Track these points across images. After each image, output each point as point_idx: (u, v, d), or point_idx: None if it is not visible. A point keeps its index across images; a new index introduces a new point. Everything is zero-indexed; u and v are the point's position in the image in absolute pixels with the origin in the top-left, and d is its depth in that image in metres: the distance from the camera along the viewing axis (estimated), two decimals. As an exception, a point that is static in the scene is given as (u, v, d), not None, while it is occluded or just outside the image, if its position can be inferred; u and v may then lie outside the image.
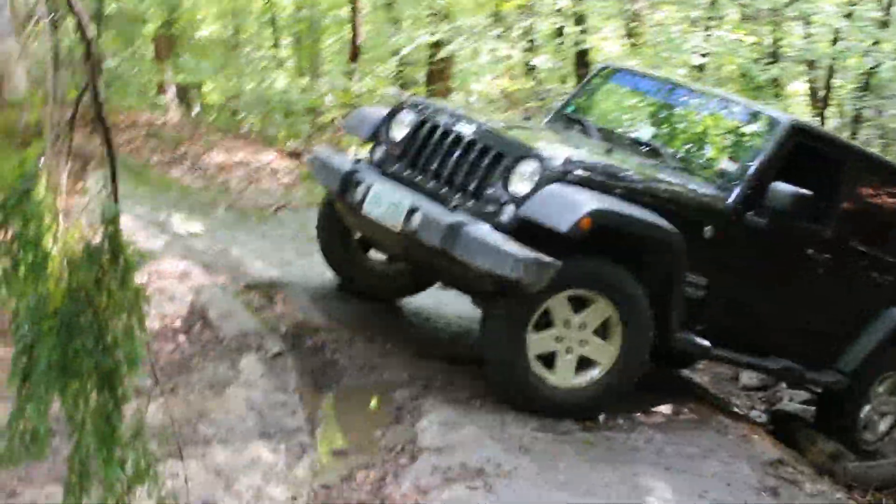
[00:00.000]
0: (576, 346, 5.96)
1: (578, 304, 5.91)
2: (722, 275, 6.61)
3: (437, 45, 18.14)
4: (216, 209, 8.87)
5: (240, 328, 6.26)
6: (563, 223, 5.50)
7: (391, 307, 7.33)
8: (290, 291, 7.05)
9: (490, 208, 5.84)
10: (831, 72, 26.24)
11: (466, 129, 6.19)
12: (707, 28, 21.90)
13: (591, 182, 5.88)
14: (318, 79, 18.20)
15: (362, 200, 6.17)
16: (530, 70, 21.86)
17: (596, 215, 5.57)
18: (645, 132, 7.53)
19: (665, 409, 6.65)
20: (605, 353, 6.02)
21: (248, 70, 15.38)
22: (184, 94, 22.18)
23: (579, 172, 5.87)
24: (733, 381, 9.93)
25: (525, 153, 5.91)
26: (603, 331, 6.02)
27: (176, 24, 20.10)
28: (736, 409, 8.41)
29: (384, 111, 6.91)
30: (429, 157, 6.29)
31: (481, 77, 18.64)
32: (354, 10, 16.59)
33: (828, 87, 26.57)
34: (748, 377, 9.82)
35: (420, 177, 6.27)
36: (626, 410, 6.28)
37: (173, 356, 5.98)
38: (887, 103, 26.37)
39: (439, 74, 19.64)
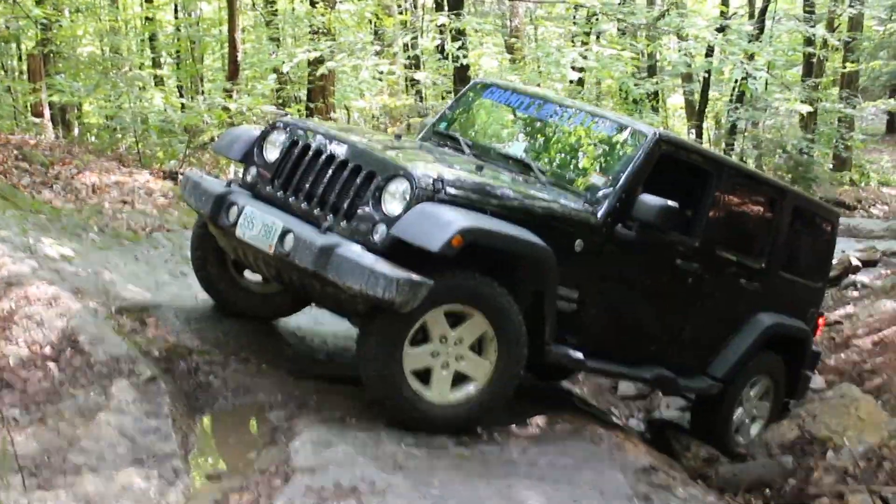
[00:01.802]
0: (452, 361, 5.99)
1: (455, 320, 5.94)
2: (594, 287, 6.73)
3: (317, 62, 18.09)
4: (88, 231, 8.71)
5: (111, 353, 6.14)
6: (433, 242, 5.52)
7: (266, 327, 7.28)
8: (163, 314, 6.96)
9: (362, 228, 5.86)
10: (707, 85, 26.97)
11: (338, 149, 6.19)
12: (585, 44, 22.30)
13: (461, 200, 5.91)
14: (197, 97, 18.03)
15: (235, 223, 6.15)
16: (412, 86, 22.00)
17: (466, 233, 5.60)
18: (516, 147, 7.59)
19: (540, 420, 6.72)
20: (481, 369, 6.06)
21: (125, 89, 15.15)
22: (62, 115, 21.81)
23: (450, 191, 5.89)
24: (612, 390, 10.10)
25: (395, 172, 5.90)
26: (479, 346, 6.06)
27: (51, 44, 19.73)
28: (613, 419, 8.56)
29: (255, 131, 6.88)
30: (301, 177, 6.28)
31: (363, 93, 18.64)
32: (233, 28, 16.46)
33: (704, 100, 27.30)
34: (626, 387, 10.01)
35: (293, 198, 6.26)
36: (502, 423, 6.33)
37: (42, 384, 5.83)
38: (760, 114, 27.18)
39: (320, 91, 19.59)
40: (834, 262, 10.95)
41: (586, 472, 5.89)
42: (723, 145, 26.88)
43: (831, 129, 30.39)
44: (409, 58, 21.79)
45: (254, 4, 22.51)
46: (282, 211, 6.17)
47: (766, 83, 25.58)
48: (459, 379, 6.06)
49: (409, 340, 5.82)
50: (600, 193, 6.79)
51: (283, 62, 17.79)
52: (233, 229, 6.16)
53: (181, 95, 23.38)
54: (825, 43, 27.14)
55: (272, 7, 22.15)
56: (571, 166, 7.31)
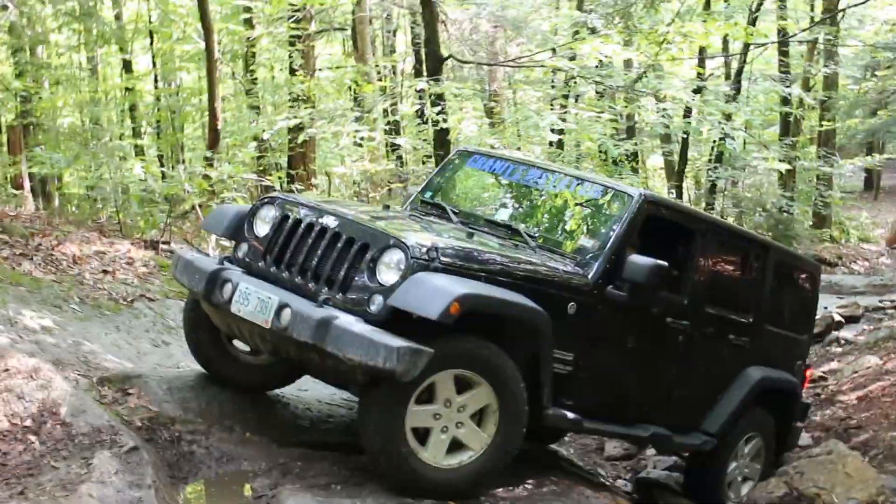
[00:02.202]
0: (452, 427, 6.00)
1: (462, 387, 5.96)
2: (588, 349, 6.77)
3: (298, 130, 18.17)
4: (69, 302, 8.68)
5: (93, 424, 6.09)
6: (432, 310, 5.56)
7: (249, 395, 7.22)
8: (145, 384, 6.92)
9: (358, 300, 5.90)
10: (685, 145, 27.19)
11: (330, 222, 6.24)
12: (563, 106, 22.46)
13: (455, 268, 5.97)
14: (178, 166, 18.05)
15: (230, 299, 6.16)
16: (392, 151, 22.08)
17: (464, 300, 5.64)
18: (503, 214, 7.64)
19: (528, 482, 6.68)
20: (478, 440, 6.08)
21: (106, 159, 15.17)
22: (42, 186, 21.83)
23: (444, 259, 5.95)
24: (598, 451, 10.06)
25: (389, 243, 5.95)
26: (479, 416, 6.08)
27: (31, 115, 19.81)
28: (601, 479, 8.50)
29: (244, 208, 6.93)
30: (294, 251, 6.31)
31: (343, 160, 18.71)
32: (213, 97, 16.52)
33: (683, 160, 27.50)
34: (612, 447, 9.96)
35: (286, 272, 6.28)
36: (490, 486, 6.29)
37: (23, 457, 5.78)
38: (740, 174, 27.38)
39: (301, 158, 19.67)
40: (817, 318, 11.00)
41: (574, 534, 5.85)
42: (703, 204, 27.05)
43: (810, 186, 30.61)
44: (388, 123, 21.94)
45: (233, 73, 22.67)
46: (276, 286, 6.18)
47: (745, 142, 25.84)
48: (456, 446, 6.05)
49: (415, 399, 5.82)
50: (590, 256, 6.88)
51: (264, 130, 17.88)
52: (228, 306, 6.17)
53: (162, 165, 23.44)
54: (801, 102, 27.45)
55: (252, 76, 22.31)
56: (559, 230, 7.38)
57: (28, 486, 5.48)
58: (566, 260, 6.88)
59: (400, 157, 23.20)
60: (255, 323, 6.03)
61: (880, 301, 19.10)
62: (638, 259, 6.70)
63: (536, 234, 7.18)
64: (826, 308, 17.22)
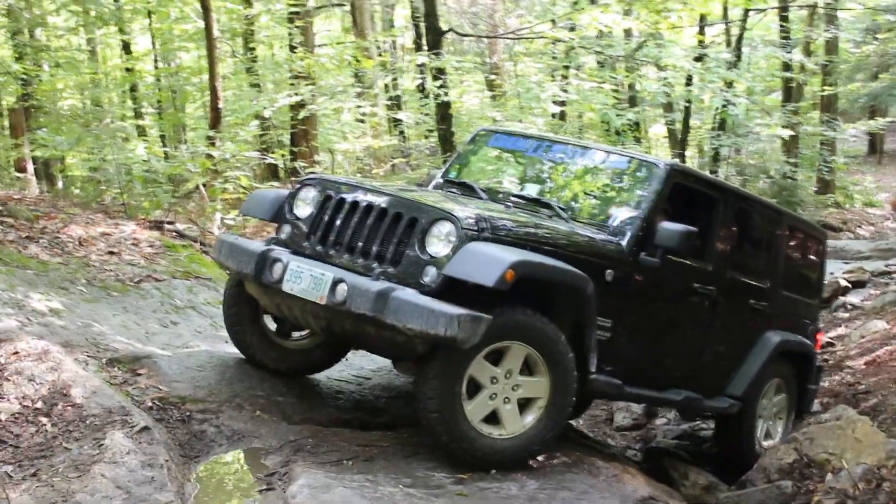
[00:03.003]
0: (511, 394, 6.18)
1: (495, 358, 6.09)
2: (624, 315, 6.97)
3: (299, 107, 18.14)
4: (76, 284, 8.69)
5: (103, 405, 6.11)
6: (489, 278, 5.71)
7: (258, 372, 7.23)
8: (155, 364, 6.94)
9: (410, 272, 6.02)
10: (688, 113, 27.12)
11: (375, 199, 6.36)
12: (564, 77, 22.41)
13: (503, 238, 6.13)
14: (180, 146, 18.06)
15: (281, 278, 6.26)
16: (394, 126, 22.06)
17: (518, 267, 5.80)
18: (531, 189, 7.77)
19: (538, 455, 6.68)
20: (540, 386, 6.25)
21: (108, 141, 15.15)
22: (45, 169, 21.82)
23: (493, 230, 6.13)
24: (608, 422, 10.09)
25: (439, 216, 6.09)
26: (528, 370, 6.23)
27: (32, 98, 19.76)
28: (611, 450, 8.52)
29: (283, 191, 7.04)
30: (340, 230, 6.42)
31: (345, 136, 18.69)
32: (213, 76, 16.49)
33: (686, 128, 27.43)
34: (622, 417, 10.00)
35: (333, 250, 6.40)
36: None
37: (35, 439, 5.80)
38: (743, 141, 27.31)
39: (303, 135, 19.65)
40: (824, 283, 11.08)
41: (586, 504, 5.86)
42: (707, 172, 26.99)
43: (813, 152, 30.54)
44: (390, 98, 21.91)
45: (233, 52, 22.63)
46: (325, 263, 6.30)
47: (747, 110, 25.67)
48: (523, 406, 6.27)
49: (465, 396, 5.99)
50: (623, 225, 7.06)
51: (265, 108, 17.84)
52: (279, 285, 6.28)
53: (164, 145, 23.47)
54: (802, 67, 27.35)
55: (252, 54, 22.28)
56: (589, 202, 7.55)
57: (41, 468, 5.50)
58: (599, 230, 7.04)
59: (402, 132, 23.19)
60: (308, 300, 6.15)
61: (886, 265, 19.11)
62: (669, 226, 6.92)
63: (567, 207, 7.33)
64: (832, 273, 17.23)
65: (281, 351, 7.31)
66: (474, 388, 6.05)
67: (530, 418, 6.24)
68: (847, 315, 14.78)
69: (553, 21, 20.18)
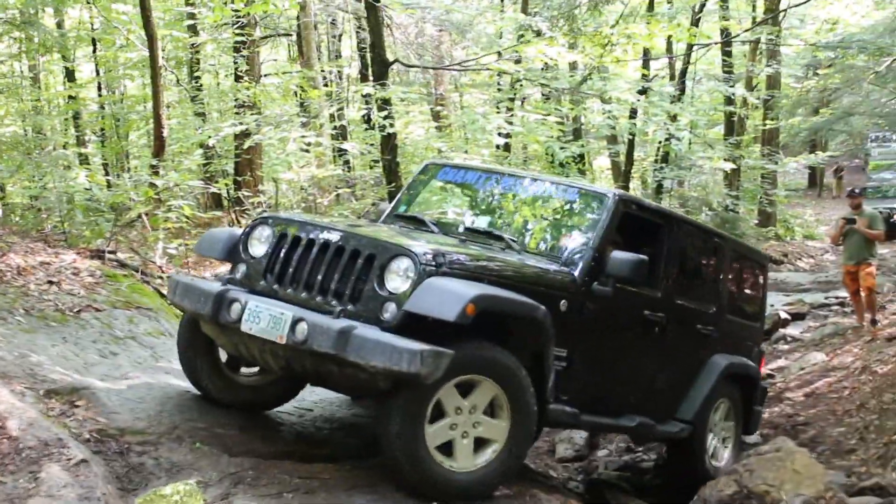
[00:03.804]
0: (470, 429, 6.22)
1: (464, 390, 6.16)
2: (579, 344, 7.10)
3: (244, 136, 18.10)
4: (14, 314, 8.57)
5: (40, 437, 6.02)
6: (450, 312, 5.77)
7: (199, 404, 7.17)
8: (93, 395, 6.85)
9: (370, 309, 6.07)
10: (631, 146, 27.40)
11: (332, 236, 6.41)
12: (510, 109, 22.54)
13: (460, 272, 6.21)
14: (123, 174, 17.93)
15: (239, 318, 6.25)
16: (339, 156, 22.04)
17: (479, 301, 5.88)
18: (482, 221, 7.91)
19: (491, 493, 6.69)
20: (499, 430, 6.31)
21: (49, 169, 15.01)
22: (-16, 197, 21.53)
23: (450, 264, 6.20)
24: (549, 453, 10.10)
25: (397, 252, 6.16)
26: (491, 410, 6.29)
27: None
28: (553, 482, 8.53)
29: (236, 230, 7.12)
30: (296, 268, 6.45)
31: (290, 165, 18.66)
32: (157, 104, 16.40)
33: (629, 161, 27.71)
34: (564, 448, 10.02)
35: (290, 289, 6.42)
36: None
37: (-31, 473, 5.72)
38: (685, 173, 27.62)
39: (248, 164, 19.60)
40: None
41: (528, 537, 5.86)
42: (650, 204, 27.22)
43: (755, 185, 30.97)
44: (335, 128, 21.90)
45: (178, 80, 22.54)
46: (282, 302, 6.30)
47: (690, 142, 26.02)
48: (480, 444, 6.30)
49: (428, 419, 6.01)
50: (574, 255, 7.22)
51: (210, 136, 17.78)
52: (237, 325, 6.26)
53: (107, 173, 23.26)
54: (745, 101, 27.77)
55: (197, 82, 22.19)
56: (540, 233, 7.73)
57: (-25, 502, 5.41)
58: (551, 261, 7.18)
59: (347, 162, 23.17)
60: (267, 340, 6.15)
61: (825, 297, 19.38)
62: (620, 255, 7.05)
63: (518, 239, 7.47)
64: (773, 306, 17.42)
65: (236, 388, 7.32)
66: (438, 413, 6.08)
67: (482, 459, 6.27)
68: (787, 347, 14.94)
69: (499, 53, 20.34)
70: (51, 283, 9.79)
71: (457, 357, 5.85)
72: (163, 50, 19.04)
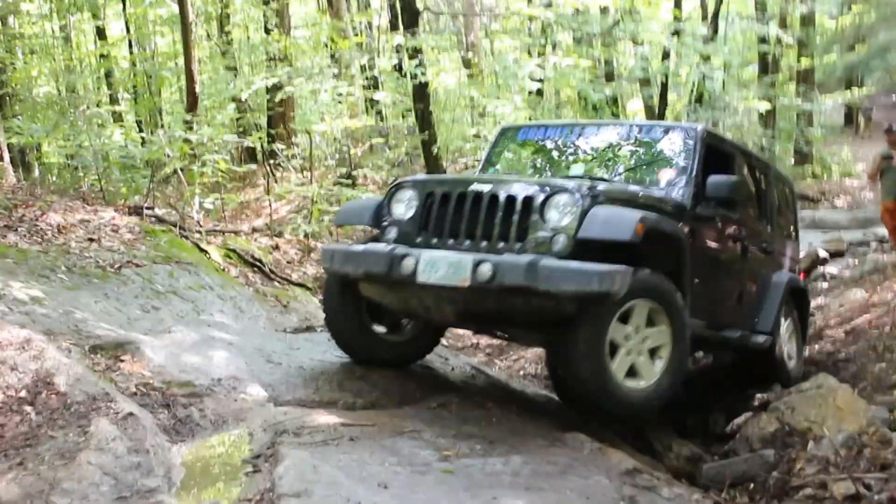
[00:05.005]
0: (642, 346, 6.77)
1: (623, 317, 6.64)
2: (695, 263, 7.46)
3: (276, 89, 18.10)
4: (56, 272, 8.67)
5: (88, 392, 6.10)
6: (624, 233, 6.34)
7: (242, 355, 7.24)
8: (137, 350, 6.93)
9: (538, 245, 6.51)
10: (665, 88, 27.16)
11: (483, 188, 6.79)
12: (541, 54, 22.40)
13: (614, 201, 6.76)
14: (157, 131, 17.99)
15: (413, 272, 6.57)
16: (371, 106, 22.01)
17: (645, 221, 6.44)
18: (577, 169, 8.33)
19: (521, 429, 6.72)
20: (664, 335, 6.85)
21: (84, 127, 15.08)
22: (21, 157, 21.69)
23: (603, 195, 6.69)
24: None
25: (556, 189, 6.62)
26: (650, 321, 6.81)
27: (6, 86, 19.64)
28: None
29: (374, 197, 7.68)
30: (453, 221, 6.81)
31: (323, 117, 18.66)
32: (189, 60, 16.42)
33: (663, 103, 27.47)
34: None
35: (450, 241, 6.79)
36: (483, 437, 6.34)
37: (19, 428, 5.78)
38: (720, 114, 27.38)
39: (280, 118, 19.62)
40: (802, 254, 11.64)
41: (571, 477, 5.87)
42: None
43: (791, 124, 30.67)
44: (367, 79, 21.84)
45: (209, 35, 22.53)
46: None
47: (724, 83, 25.79)
48: (651, 354, 6.86)
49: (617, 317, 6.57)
50: (678, 183, 7.84)
51: (242, 91, 17.81)
52: (413, 278, 6.58)
53: (141, 130, 23.35)
54: (779, 40, 27.40)
55: (227, 37, 22.17)
56: (637, 171, 8.25)
57: (27, 457, 5.49)
58: (659, 190, 7.76)
59: (380, 112, 23.15)
60: (446, 286, 6.48)
61: (864, 235, 19.23)
62: (719, 178, 7.74)
63: (620, 178, 8.03)
64: (811, 244, 17.33)
65: (382, 347, 7.69)
66: (612, 348, 6.55)
67: (659, 365, 6.83)
68: (826, 285, 14.88)
69: (529, -1, 20.16)
70: (91, 240, 9.88)
71: (638, 278, 6.41)
72: (192, 5, 19.02)
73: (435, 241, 6.83)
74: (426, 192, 7.02)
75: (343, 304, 7.46)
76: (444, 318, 7.18)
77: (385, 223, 7.14)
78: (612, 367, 6.51)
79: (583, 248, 6.40)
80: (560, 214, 6.50)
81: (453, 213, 6.81)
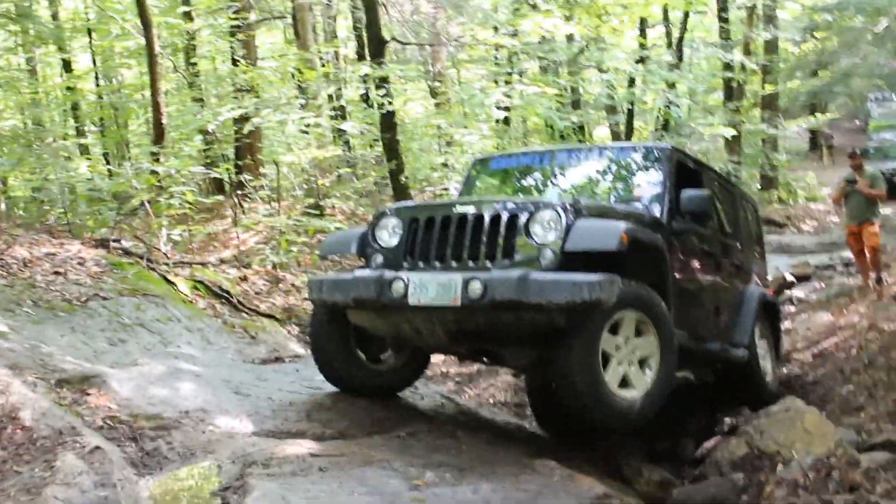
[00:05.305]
0: (632, 356, 6.90)
1: (612, 329, 6.76)
2: (674, 276, 7.73)
3: (243, 120, 18.08)
4: (22, 306, 8.62)
5: (54, 426, 6.06)
6: (610, 243, 6.50)
7: (209, 387, 7.21)
8: (104, 382, 6.90)
9: (523, 260, 6.65)
10: (631, 115, 27.34)
11: (467, 209, 6.95)
12: (508, 83, 22.50)
13: (595, 215, 6.92)
14: (124, 163, 17.92)
15: (404, 294, 6.67)
16: (339, 136, 22.02)
17: (628, 231, 6.62)
18: (552, 193, 8.53)
19: (491, 456, 6.71)
20: (652, 344, 6.97)
21: (51, 160, 15.03)
22: (-13, 191, 21.54)
23: (585, 209, 6.85)
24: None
25: (539, 206, 6.79)
26: (637, 333, 6.94)
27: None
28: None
29: (360, 229, 7.66)
30: (439, 245, 6.94)
31: (290, 148, 18.66)
32: (155, 92, 16.40)
33: (629, 130, 27.65)
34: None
35: (437, 263, 6.91)
36: (454, 464, 6.32)
37: (-15, 463, 5.75)
38: (686, 141, 27.55)
39: (248, 149, 19.57)
40: (769, 279, 11.74)
41: (541, 505, 5.88)
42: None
43: (756, 150, 30.90)
44: (334, 109, 21.85)
45: (175, 67, 22.48)
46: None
47: (689, 109, 25.99)
48: (641, 365, 6.98)
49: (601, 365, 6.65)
50: (653, 199, 8.04)
51: (209, 122, 17.76)
52: (404, 300, 6.67)
53: (108, 163, 23.23)
54: (743, 67, 27.64)
55: (194, 68, 22.13)
56: (611, 190, 8.48)
57: (-8, 492, 5.44)
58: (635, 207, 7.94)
59: (347, 142, 23.14)
60: (436, 307, 6.61)
61: (830, 259, 19.37)
62: (692, 193, 7.94)
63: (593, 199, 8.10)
64: (777, 268, 17.44)
65: (370, 375, 7.74)
66: (604, 360, 6.66)
67: (649, 375, 6.94)
68: (793, 309, 14.96)
69: (495, 28, 20.28)
70: (57, 273, 9.83)
71: (626, 289, 6.56)
72: (158, 37, 18.99)
73: (422, 264, 6.94)
74: (410, 218, 7.14)
75: (330, 334, 7.51)
76: (436, 341, 7.19)
77: (370, 251, 7.25)
78: (606, 377, 6.61)
79: (569, 263, 6.53)
80: (545, 230, 6.65)
81: (438, 237, 6.93)
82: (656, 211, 7.90)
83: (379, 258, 7.16)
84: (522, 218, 6.73)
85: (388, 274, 6.80)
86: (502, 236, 6.73)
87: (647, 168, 8.44)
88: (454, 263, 6.81)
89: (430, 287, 6.59)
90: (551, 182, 8.71)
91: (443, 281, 6.56)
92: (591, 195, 8.28)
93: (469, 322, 6.73)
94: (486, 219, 6.81)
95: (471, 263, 6.75)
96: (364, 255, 7.32)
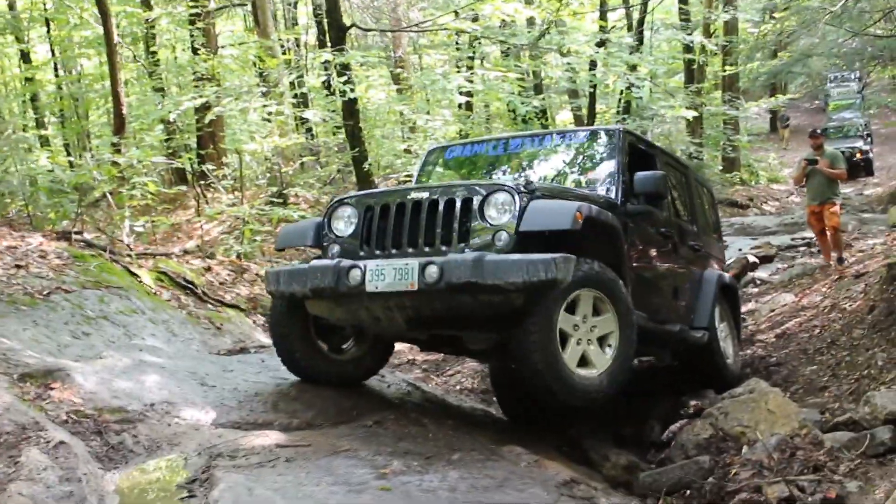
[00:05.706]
0: (591, 335, 6.93)
1: (570, 308, 6.78)
2: (630, 256, 7.77)
3: (205, 109, 17.98)
4: (-18, 301, 8.54)
5: (17, 422, 6.01)
6: (565, 222, 6.55)
7: (174, 379, 7.19)
8: (68, 376, 6.85)
9: (482, 243, 6.68)
10: (593, 98, 27.42)
11: (421, 195, 6.96)
12: (470, 68, 22.50)
13: (549, 196, 6.90)
14: (85, 154, 17.78)
15: (361, 282, 6.67)
16: (301, 124, 21.95)
17: (582, 209, 6.69)
18: (506, 179, 8.37)
19: (458, 444, 6.73)
20: (611, 322, 7.00)
21: (10, 152, 14.88)
22: (-54, 184, 21.31)
23: (539, 190, 6.85)
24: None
25: (493, 189, 6.82)
26: (595, 311, 6.96)
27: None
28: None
29: (314, 220, 7.69)
30: (394, 232, 6.94)
31: (253, 136, 18.58)
32: (115, 82, 16.28)
33: (591, 113, 27.72)
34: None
35: (393, 251, 6.90)
36: (420, 452, 6.34)
37: (-53, 461, 5.70)
38: (648, 123, 27.65)
39: (210, 138, 19.47)
40: (731, 261, 11.88)
41: (508, 491, 5.88)
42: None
43: (717, 131, 31.07)
44: (296, 97, 21.77)
45: (135, 57, 22.33)
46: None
47: (651, 92, 26.06)
48: (601, 343, 7.01)
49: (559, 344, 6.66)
50: (606, 181, 8.08)
51: (170, 112, 17.65)
52: (361, 287, 6.66)
53: (68, 154, 23.07)
54: (703, 48, 27.76)
55: (154, 58, 21.98)
56: (566, 175, 8.48)
57: (-45, 490, 5.40)
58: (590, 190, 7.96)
59: (310, 130, 23.09)
60: (394, 293, 6.61)
61: (792, 239, 19.52)
62: (646, 174, 7.91)
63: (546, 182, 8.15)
64: (740, 250, 17.54)
65: (332, 365, 7.71)
66: (562, 339, 6.67)
67: (609, 353, 6.98)
68: (756, 290, 15.06)
69: (456, 13, 20.24)
70: (18, 266, 9.74)
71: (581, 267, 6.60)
72: (117, 26, 18.86)
73: (378, 252, 6.93)
74: (365, 207, 7.14)
75: (290, 325, 7.48)
76: (396, 328, 7.17)
77: (327, 241, 7.24)
78: (565, 356, 6.63)
79: (525, 245, 6.57)
80: (499, 212, 6.68)
81: (394, 224, 6.94)
82: (611, 193, 7.92)
83: (336, 248, 7.17)
84: (476, 201, 6.77)
85: (345, 262, 6.79)
86: (457, 220, 6.76)
87: (600, 151, 8.50)
88: (410, 250, 6.82)
89: (386, 273, 6.59)
90: (506, 169, 8.72)
91: (399, 266, 6.57)
92: (546, 180, 8.30)
93: (427, 307, 6.73)
94: (441, 204, 6.84)
95: (427, 249, 6.77)
96: (321, 245, 7.33)
